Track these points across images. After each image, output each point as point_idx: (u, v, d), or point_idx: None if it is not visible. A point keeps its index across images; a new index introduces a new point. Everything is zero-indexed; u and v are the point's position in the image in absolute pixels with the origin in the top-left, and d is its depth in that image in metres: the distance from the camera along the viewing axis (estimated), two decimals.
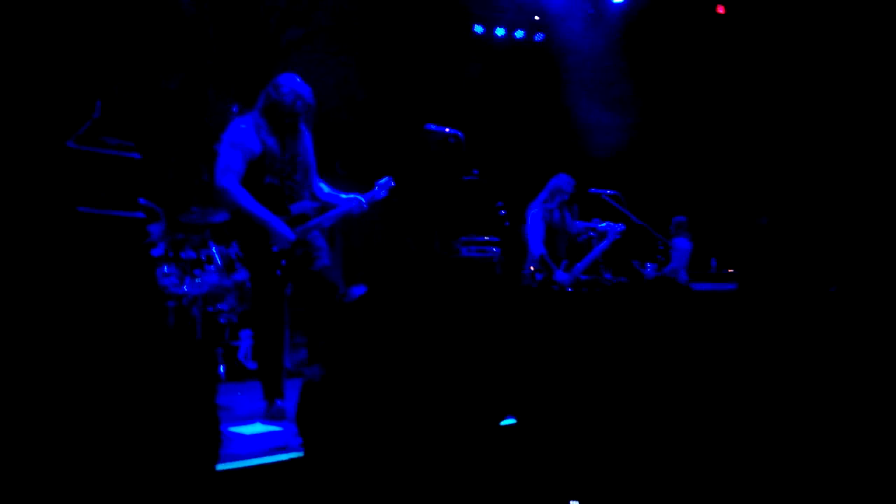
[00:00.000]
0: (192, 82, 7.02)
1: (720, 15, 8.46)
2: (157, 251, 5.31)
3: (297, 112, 3.83)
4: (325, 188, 4.17)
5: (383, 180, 4.16)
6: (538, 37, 8.93)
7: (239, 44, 7.28)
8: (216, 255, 5.69)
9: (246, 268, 4.09)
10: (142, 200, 4.17)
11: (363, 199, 4.05)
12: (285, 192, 3.88)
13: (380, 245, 7.68)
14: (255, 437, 3.26)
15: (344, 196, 4.11)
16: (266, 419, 3.65)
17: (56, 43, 5.65)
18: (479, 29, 8.68)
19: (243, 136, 3.79)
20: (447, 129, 5.01)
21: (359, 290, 2.94)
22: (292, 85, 3.84)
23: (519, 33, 8.87)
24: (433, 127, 5.07)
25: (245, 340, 5.73)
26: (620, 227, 6.05)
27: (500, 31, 8.77)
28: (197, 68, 7.10)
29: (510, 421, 1.37)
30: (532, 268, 5.89)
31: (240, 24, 7.31)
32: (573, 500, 1.34)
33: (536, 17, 8.75)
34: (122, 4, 6.30)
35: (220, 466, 2.71)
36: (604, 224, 6.10)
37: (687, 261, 6.94)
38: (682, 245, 6.88)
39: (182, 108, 6.92)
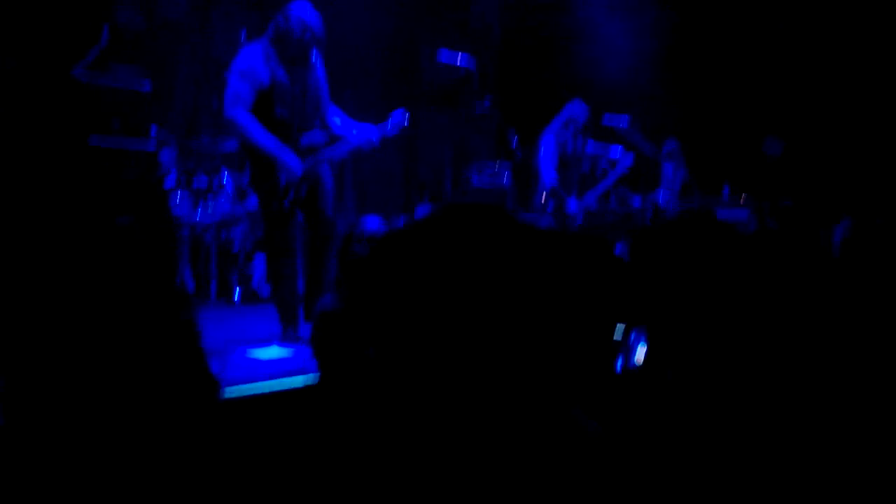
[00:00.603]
0: (198, 7, 6.89)
1: None
2: (169, 179, 5.34)
3: (306, 43, 3.75)
4: (338, 120, 4.08)
5: (396, 114, 4.03)
6: None
7: None
8: (228, 183, 5.72)
9: (258, 203, 4.11)
10: (153, 130, 4.15)
11: (374, 136, 3.97)
12: (295, 123, 3.84)
13: (391, 174, 7.67)
14: (272, 361, 3.35)
15: (356, 129, 4.04)
16: (283, 342, 3.74)
17: None
18: None
19: (252, 65, 3.73)
20: (459, 57, 4.93)
21: (372, 221, 2.97)
22: (302, 14, 3.74)
23: None
24: (446, 54, 4.97)
25: (259, 268, 5.81)
26: (630, 156, 6.01)
27: None
28: None
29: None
30: (543, 197, 5.88)
31: None
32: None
33: None
34: None
35: (235, 391, 2.81)
36: (616, 153, 6.06)
37: (679, 186, 6.81)
38: (671, 170, 6.76)
39: (189, 34, 6.82)
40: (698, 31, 8.15)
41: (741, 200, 7.53)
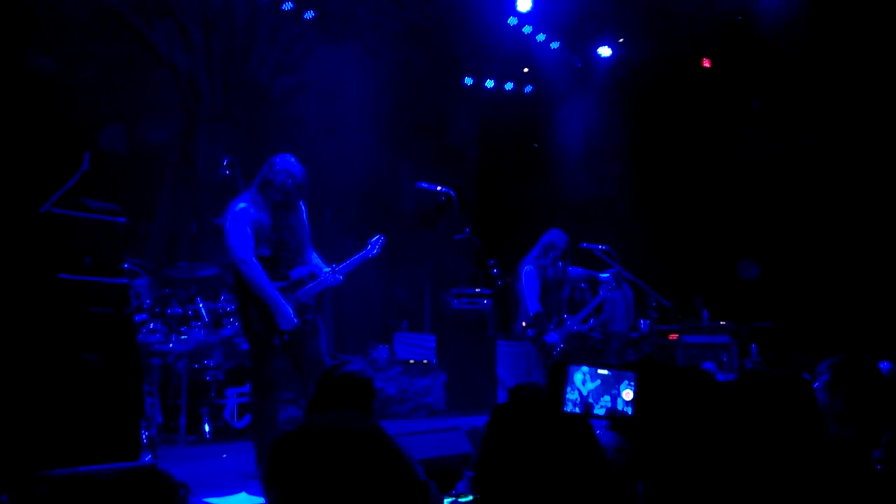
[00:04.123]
0: (184, 134, 6.99)
1: (706, 69, 8.55)
2: (143, 310, 5.21)
3: (288, 190, 4.13)
4: (315, 258, 4.38)
5: (375, 238, 4.37)
6: (527, 88, 9.00)
7: (231, 95, 7.27)
8: (203, 311, 5.58)
9: (247, 340, 4.27)
10: (126, 263, 4.14)
11: (341, 275, 4.30)
12: (280, 261, 4.16)
13: (370, 297, 7.59)
14: None
15: (329, 268, 4.32)
16: (252, 490, 3.51)
17: (43, 97, 5.61)
18: (468, 80, 8.72)
19: (245, 210, 4.08)
20: (439, 188, 5.01)
21: (354, 364, 2.85)
22: (286, 164, 4.15)
23: (508, 85, 8.93)
24: (425, 185, 5.07)
25: (231, 398, 5.59)
26: (610, 281, 5.99)
27: (489, 83, 8.83)
28: (189, 119, 7.07)
29: None
30: (524, 324, 5.80)
31: (231, 75, 7.32)
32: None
33: (526, 70, 8.82)
34: (113, 58, 6.29)
35: None
36: (606, 274, 6.02)
37: (623, 311, 6.69)
38: (616, 297, 6.65)
39: (172, 160, 6.88)
40: (668, 157, 8.40)
41: (720, 326, 7.49)
